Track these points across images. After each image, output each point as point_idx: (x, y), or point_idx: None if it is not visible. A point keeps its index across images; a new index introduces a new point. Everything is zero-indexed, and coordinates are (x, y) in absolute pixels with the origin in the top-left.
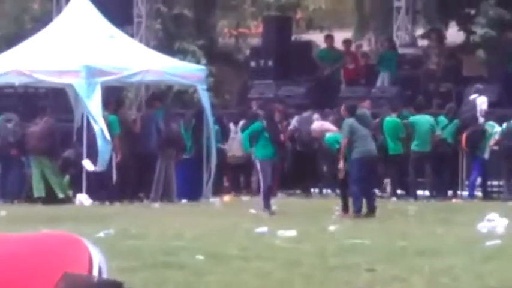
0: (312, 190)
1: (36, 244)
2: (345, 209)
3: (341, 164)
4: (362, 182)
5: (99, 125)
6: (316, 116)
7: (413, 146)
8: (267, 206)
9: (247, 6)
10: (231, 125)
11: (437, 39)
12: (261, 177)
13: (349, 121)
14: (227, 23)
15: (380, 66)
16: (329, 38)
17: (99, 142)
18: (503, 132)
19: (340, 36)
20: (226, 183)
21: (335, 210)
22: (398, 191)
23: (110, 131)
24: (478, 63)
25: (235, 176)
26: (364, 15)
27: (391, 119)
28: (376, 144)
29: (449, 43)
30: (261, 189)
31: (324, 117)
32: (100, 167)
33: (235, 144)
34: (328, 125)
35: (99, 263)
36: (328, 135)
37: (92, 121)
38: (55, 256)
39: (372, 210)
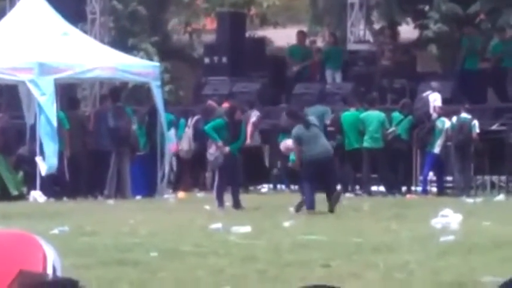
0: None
1: None
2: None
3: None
4: (313, 182)
5: (51, 124)
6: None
7: (365, 142)
8: (237, 203)
9: (200, 2)
10: (185, 120)
11: (391, 35)
12: (217, 174)
13: (294, 131)
14: (180, 20)
15: (326, 63)
16: (300, 34)
17: (47, 145)
18: (454, 127)
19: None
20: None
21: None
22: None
23: (59, 127)
24: (433, 59)
25: (184, 171)
26: (318, 11)
27: (349, 113)
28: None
29: (403, 39)
30: (215, 185)
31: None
32: (49, 171)
33: (185, 139)
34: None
35: (53, 261)
36: (292, 154)
37: (41, 119)
38: (8, 254)
39: (331, 209)
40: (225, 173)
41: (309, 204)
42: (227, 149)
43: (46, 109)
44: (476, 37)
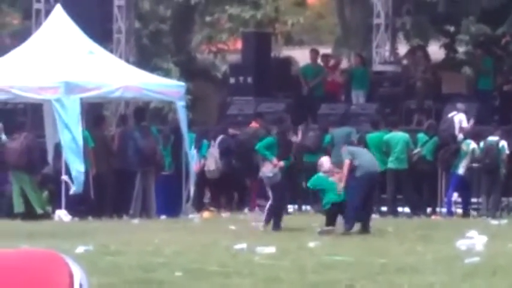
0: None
1: (16, 261)
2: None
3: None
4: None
5: (77, 143)
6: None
7: (390, 163)
8: (278, 224)
9: (224, 21)
10: (211, 141)
11: (424, 56)
12: (270, 194)
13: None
14: (202, 38)
15: (352, 84)
16: (313, 53)
17: (73, 165)
18: (482, 150)
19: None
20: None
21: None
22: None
23: (85, 145)
24: (458, 81)
25: (213, 191)
26: (344, 31)
27: (374, 135)
28: None
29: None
30: (268, 206)
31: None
32: (77, 190)
33: (211, 159)
34: (327, 165)
35: (80, 281)
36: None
37: (67, 138)
38: (36, 273)
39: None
40: (280, 191)
41: (350, 226)
42: (282, 163)
43: (72, 128)
44: (488, 58)
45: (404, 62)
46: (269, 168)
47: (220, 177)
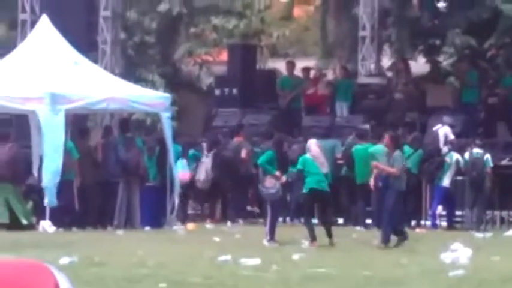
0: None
1: (3, 270)
2: (313, 237)
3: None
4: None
5: (59, 154)
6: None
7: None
8: (272, 236)
9: (208, 33)
10: (205, 150)
11: (405, 69)
12: (270, 207)
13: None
14: (186, 50)
15: (336, 96)
16: (289, 65)
17: (47, 177)
18: (467, 163)
19: (304, 65)
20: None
21: (301, 241)
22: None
23: (69, 156)
24: (443, 94)
25: (200, 202)
26: (329, 43)
27: (361, 147)
28: (339, 174)
29: (414, 73)
30: (269, 218)
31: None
32: (50, 204)
33: (201, 170)
34: (313, 148)
35: None
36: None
37: (48, 150)
38: (22, 283)
39: (402, 236)
40: (279, 205)
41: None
42: (284, 178)
43: (55, 139)
44: (473, 71)
45: (389, 74)
46: (272, 184)
47: (210, 188)
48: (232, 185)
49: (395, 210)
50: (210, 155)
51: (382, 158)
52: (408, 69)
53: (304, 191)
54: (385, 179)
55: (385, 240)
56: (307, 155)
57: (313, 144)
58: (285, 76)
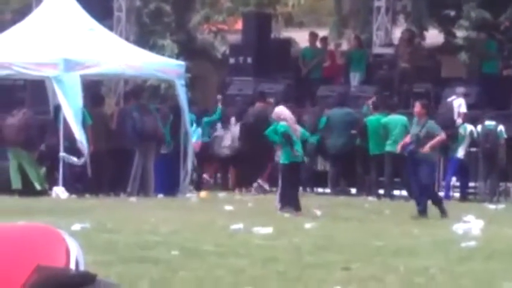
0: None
1: (13, 234)
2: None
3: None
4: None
5: (78, 119)
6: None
7: (387, 146)
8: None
9: (224, 1)
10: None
11: (409, 38)
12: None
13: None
14: (201, 18)
15: (350, 66)
16: (312, 36)
17: (80, 137)
18: (480, 134)
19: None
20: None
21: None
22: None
23: (82, 123)
24: (458, 65)
25: (224, 168)
26: (344, 13)
27: (374, 118)
28: (355, 144)
29: (428, 44)
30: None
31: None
32: (82, 162)
33: (227, 136)
34: (288, 114)
35: (76, 256)
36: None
37: (67, 114)
38: (32, 247)
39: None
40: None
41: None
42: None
43: (71, 105)
44: (492, 41)
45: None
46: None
47: (232, 155)
48: (252, 153)
49: (432, 181)
50: (238, 124)
51: (412, 127)
52: (412, 39)
53: (284, 161)
54: (414, 152)
55: (423, 210)
56: (283, 123)
57: (283, 109)
58: (307, 47)
